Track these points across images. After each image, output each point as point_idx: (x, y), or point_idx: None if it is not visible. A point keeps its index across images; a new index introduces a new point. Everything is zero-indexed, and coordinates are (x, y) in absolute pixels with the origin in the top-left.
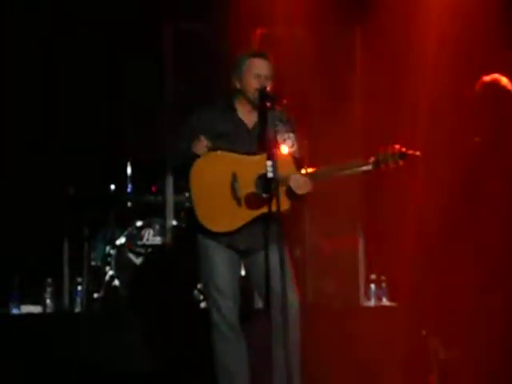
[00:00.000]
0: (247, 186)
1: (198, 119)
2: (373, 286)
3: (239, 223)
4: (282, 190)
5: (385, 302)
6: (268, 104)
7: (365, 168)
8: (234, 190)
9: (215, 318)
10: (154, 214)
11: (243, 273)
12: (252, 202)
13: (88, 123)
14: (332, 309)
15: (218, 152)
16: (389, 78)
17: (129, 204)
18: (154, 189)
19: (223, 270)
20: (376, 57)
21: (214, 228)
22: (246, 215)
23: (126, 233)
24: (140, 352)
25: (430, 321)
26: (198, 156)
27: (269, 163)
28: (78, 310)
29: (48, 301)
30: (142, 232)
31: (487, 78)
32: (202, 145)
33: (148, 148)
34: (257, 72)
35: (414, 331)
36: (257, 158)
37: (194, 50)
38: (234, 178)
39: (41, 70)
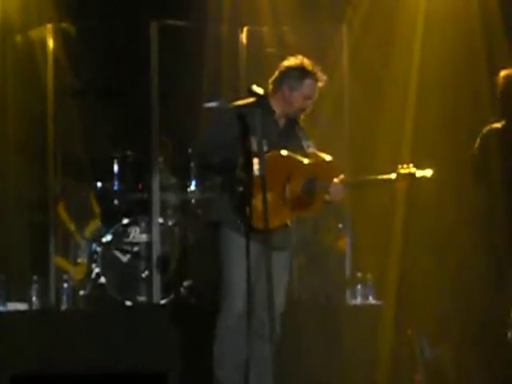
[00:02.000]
0: (295, 189)
1: (242, 112)
2: (359, 284)
3: (280, 222)
4: (321, 195)
5: (371, 300)
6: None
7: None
8: (284, 190)
9: (225, 309)
10: (140, 211)
11: None
12: (296, 203)
13: (74, 120)
14: (318, 307)
15: (281, 152)
16: (376, 74)
17: (115, 201)
18: (140, 186)
19: (242, 266)
20: (363, 54)
21: (257, 225)
22: (288, 215)
23: (112, 230)
24: (126, 350)
25: (416, 320)
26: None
27: (255, 161)
28: (64, 307)
29: (34, 298)
30: (129, 229)
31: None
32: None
33: (134, 145)
34: (307, 94)
35: (400, 330)
36: (310, 162)
37: (180, 47)
38: (288, 179)
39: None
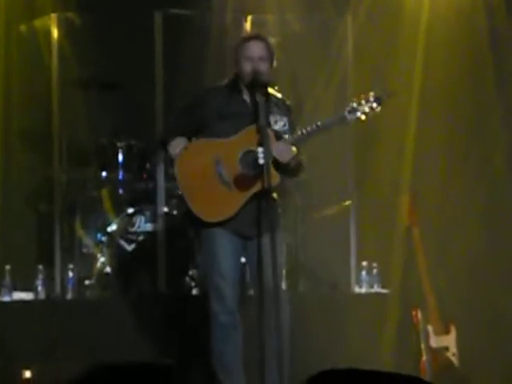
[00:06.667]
0: (233, 168)
1: (207, 95)
2: (364, 272)
3: (235, 208)
4: (269, 163)
5: (376, 288)
6: (259, 89)
7: (343, 120)
8: (220, 175)
9: (215, 306)
10: (145, 200)
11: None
12: (241, 182)
13: (79, 110)
14: (323, 296)
15: (194, 141)
16: (380, 64)
17: (120, 191)
18: (145, 175)
19: (227, 257)
20: (367, 44)
21: (212, 219)
22: (240, 198)
23: (117, 220)
24: (132, 339)
25: (422, 308)
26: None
27: (260, 149)
28: (69, 296)
29: (39, 288)
30: (134, 219)
31: None
32: (178, 144)
33: (139, 135)
34: (249, 55)
35: (406, 318)
36: (235, 138)
37: (185, 36)
38: (217, 162)
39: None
